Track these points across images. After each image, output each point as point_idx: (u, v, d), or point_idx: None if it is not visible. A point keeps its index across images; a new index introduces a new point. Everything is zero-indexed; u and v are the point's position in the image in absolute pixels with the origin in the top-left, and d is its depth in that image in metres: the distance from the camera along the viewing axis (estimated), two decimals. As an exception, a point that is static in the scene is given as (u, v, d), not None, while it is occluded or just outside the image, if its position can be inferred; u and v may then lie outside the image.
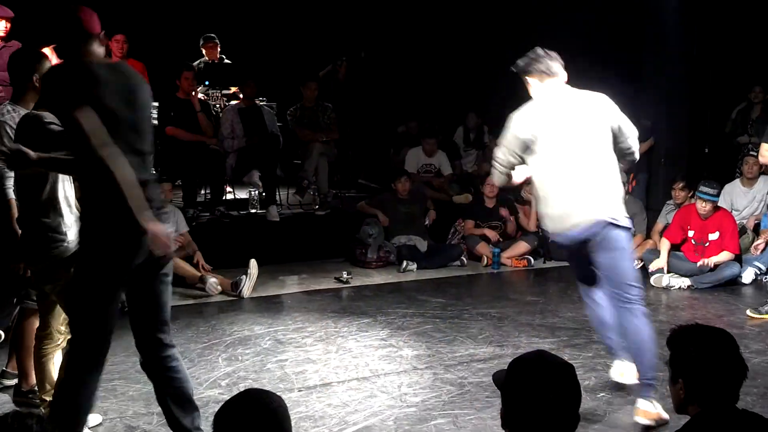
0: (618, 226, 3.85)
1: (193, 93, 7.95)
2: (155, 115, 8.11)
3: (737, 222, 7.61)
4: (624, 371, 4.19)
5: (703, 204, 6.89)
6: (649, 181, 8.85)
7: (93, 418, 3.87)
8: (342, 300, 6.54)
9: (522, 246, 8.00)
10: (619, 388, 4.36)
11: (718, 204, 7.24)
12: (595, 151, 3.91)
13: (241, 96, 8.63)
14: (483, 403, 4.13)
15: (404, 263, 7.59)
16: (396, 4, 11.16)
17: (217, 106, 8.85)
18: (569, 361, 2.20)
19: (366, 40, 10.73)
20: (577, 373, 2.18)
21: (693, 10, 8.86)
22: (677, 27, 8.91)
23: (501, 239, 8.08)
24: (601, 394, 4.28)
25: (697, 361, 2.31)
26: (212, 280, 6.48)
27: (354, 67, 9.80)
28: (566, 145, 3.89)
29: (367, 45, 10.47)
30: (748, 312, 5.97)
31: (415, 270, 7.59)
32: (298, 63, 10.08)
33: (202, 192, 8.28)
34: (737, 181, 7.90)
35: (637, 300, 3.88)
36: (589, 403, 4.09)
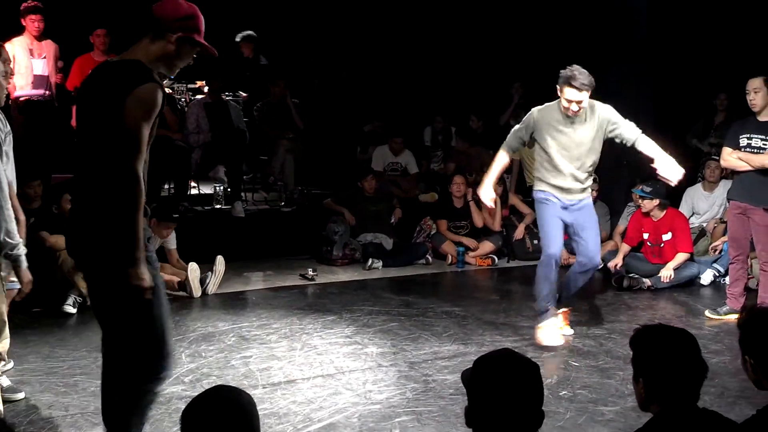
0: None
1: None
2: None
3: (698, 225, 7.78)
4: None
5: (643, 202, 7.04)
6: (612, 185, 8.97)
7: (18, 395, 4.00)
8: (307, 297, 6.53)
9: (486, 245, 8.06)
10: (582, 386, 4.43)
11: (680, 208, 7.36)
12: None
13: (206, 90, 8.57)
14: (447, 401, 4.16)
15: (370, 261, 7.60)
16: (363, 5, 11.15)
17: (183, 100, 8.78)
18: (532, 360, 2.22)
19: (334, 39, 10.73)
20: (540, 371, 2.20)
21: (659, 19, 9.00)
22: (643, 34, 9.05)
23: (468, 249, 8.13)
24: (564, 392, 4.33)
25: (658, 360, 2.35)
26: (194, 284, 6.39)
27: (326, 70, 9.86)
28: None
29: (335, 44, 10.48)
30: (706, 313, 6.08)
31: (380, 268, 7.61)
32: (266, 59, 10.04)
33: (166, 187, 8.20)
34: (699, 185, 8.03)
35: None
36: (551, 401, 4.14)
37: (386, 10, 11.15)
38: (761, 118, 5.62)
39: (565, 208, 5.21)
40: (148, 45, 2.94)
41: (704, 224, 7.76)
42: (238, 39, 9.17)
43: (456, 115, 10.40)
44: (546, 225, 5.22)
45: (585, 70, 5.01)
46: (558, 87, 5.09)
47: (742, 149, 5.68)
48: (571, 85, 4.97)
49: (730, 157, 5.79)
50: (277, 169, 8.44)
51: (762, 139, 5.58)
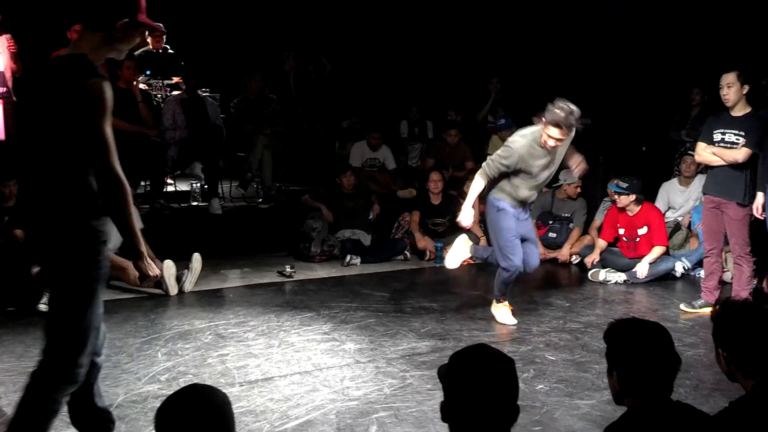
0: None
1: (135, 83, 7.81)
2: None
3: (673, 219, 7.84)
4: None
5: (619, 197, 7.10)
6: (588, 180, 9.03)
7: None
8: (285, 294, 6.51)
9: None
10: (558, 380, 4.45)
11: (656, 202, 7.42)
12: None
13: (183, 86, 8.51)
14: (424, 396, 4.16)
15: (348, 257, 7.59)
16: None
17: (159, 96, 8.71)
18: (509, 354, 2.23)
19: (310, 34, 10.70)
20: (517, 365, 2.21)
21: (634, 14, 9.06)
22: (618, 29, 9.10)
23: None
24: (540, 386, 4.35)
25: (631, 354, 2.37)
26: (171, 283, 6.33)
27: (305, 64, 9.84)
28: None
29: (311, 39, 10.44)
30: (681, 306, 6.14)
31: (358, 264, 7.60)
32: (242, 54, 9.99)
33: (142, 184, 8.14)
34: (675, 180, 8.10)
35: None
36: (528, 395, 4.16)
37: (363, 4, 11.13)
38: (734, 113, 5.68)
39: (517, 218, 5.53)
40: (90, 36, 2.86)
41: (679, 218, 7.83)
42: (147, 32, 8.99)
43: (432, 109, 10.40)
44: (509, 234, 5.49)
45: (575, 108, 5.24)
46: (543, 121, 5.27)
47: (716, 144, 5.75)
48: (558, 127, 5.20)
49: (704, 152, 5.85)
50: (254, 165, 8.39)
51: (735, 134, 5.64)
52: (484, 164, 5.48)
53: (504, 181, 5.48)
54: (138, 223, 2.88)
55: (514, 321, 5.67)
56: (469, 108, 10.36)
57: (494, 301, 5.81)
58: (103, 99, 2.75)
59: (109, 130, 2.78)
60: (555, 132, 5.23)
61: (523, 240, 5.60)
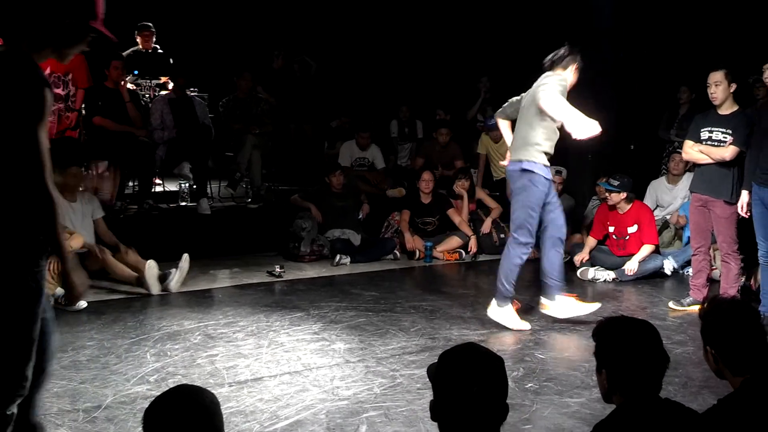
0: None
1: (122, 83, 7.78)
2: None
3: (662, 217, 7.87)
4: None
5: (610, 195, 7.12)
6: (577, 178, 9.05)
7: None
8: (274, 294, 6.49)
9: (454, 240, 8.09)
10: (547, 378, 4.46)
11: (645, 200, 7.45)
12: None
13: (170, 86, 8.48)
14: (414, 395, 4.16)
15: (337, 257, 7.58)
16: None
17: (147, 96, 8.67)
18: (498, 353, 2.23)
19: (298, 33, 10.68)
20: (506, 364, 2.21)
21: (622, 12, 9.08)
22: (606, 27, 9.12)
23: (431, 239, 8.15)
24: (530, 385, 4.36)
25: (620, 352, 2.38)
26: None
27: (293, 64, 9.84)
28: None
29: (300, 38, 10.43)
30: (670, 304, 6.16)
31: (348, 264, 7.60)
32: (231, 54, 9.97)
33: (131, 184, 8.11)
34: (663, 178, 8.13)
35: None
36: (517, 394, 4.17)
37: (354, 3, 11.12)
38: (722, 112, 5.70)
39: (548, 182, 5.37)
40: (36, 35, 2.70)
41: (668, 216, 7.86)
42: (136, 31, 8.95)
43: (422, 108, 10.41)
44: (537, 211, 5.28)
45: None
46: (571, 60, 5.35)
47: (704, 142, 5.77)
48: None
49: (691, 150, 5.88)
50: (243, 165, 8.37)
51: (722, 132, 5.67)
52: (547, 90, 5.11)
53: (537, 133, 5.23)
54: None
55: (528, 325, 5.41)
56: (458, 107, 10.37)
57: (497, 303, 5.44)
58: (43, 106, 2.58)
59: (45, 140, 2.61)
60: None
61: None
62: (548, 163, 5.31)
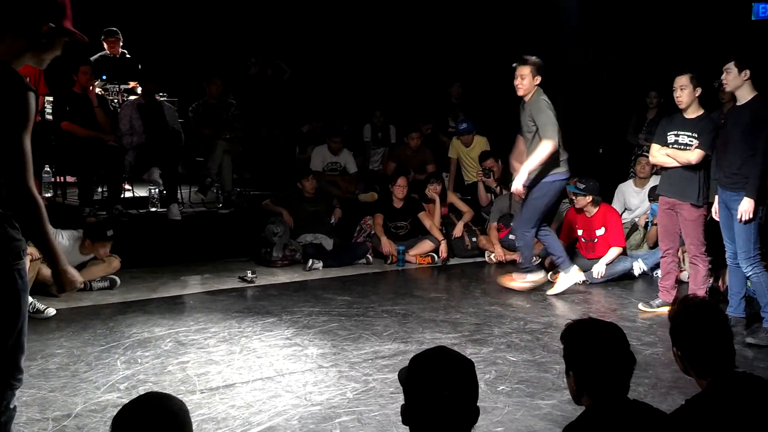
0: None
1: (91, 88, 7.70)
2: (49, 110, 7.84)
3: (630, 220, 7.97)
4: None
5: (576, 198, 7.20)
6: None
7: None
8: (246, 300, 6.46)
9: (426, 244, 8.11)
10: (519, 381, 4.49)
11: (613, 204, 7.52)
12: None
13: (139, 91, 8.41)
14: (387, 399, 4.17)
15: (310, 262, 7.57)
16: (299, 2, 11.11)
17: (116, 101, 8.60)
18: (471, 356, 2.25)
19: (271, 37, 10.66)
20: (478, 367, 2.23)
21: (590, 17, 9.19)
22: (574, 32, 9.23)
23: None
24: (501, 387, 4.39)
25: (587, 354, 2.41)
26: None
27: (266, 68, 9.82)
28: None
29: (272, 43, 10.41)
30: (639, 306, 6.23)
31: (320, 268, 7.58)
32: (201, 58, 9.91)
33: (99, 190, 8.03)
34: (630, 182, 8.23)
35: None
36: (489, 397, 4.19)
37: (325, 8, 11.12)
38: (688, 115, 5.78)
39: None
40: (12, 40, 2.69)
41: (636, 219, 7.95)
42: (103, 36, 8.87)
43: (396, 114, 10.42)
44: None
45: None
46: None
47: (670, 146, 5.85)
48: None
49: (657, 154, 5.96)
50: (214, 171, 8.32)
51: (688, 136, 5.75)
52: (544, 129, 6.11)
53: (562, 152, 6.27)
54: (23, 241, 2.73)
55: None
56: (435, 113, 10.39)
57: (551, 273, 6.85)
58: (27, 111, 2.59)
59: (29, 145, 2.62)
60: (516, 71, 6.26)
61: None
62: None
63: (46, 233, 2.69)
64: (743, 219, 5.25)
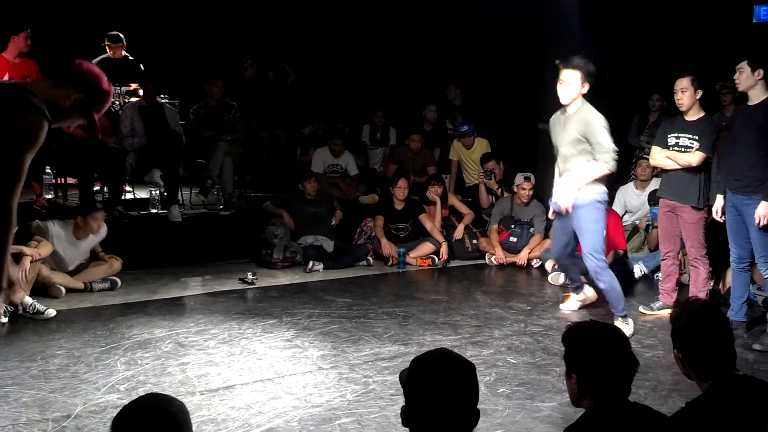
0: None
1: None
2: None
3: (631, 222, 7.96)
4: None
5: None
6: (547, 185, 9.12)
7: None
8: (247, 301, 6.46)
9: (427, 246, 8.11)
10: (519, 383, 4.49)
11: (613, 206, 7.52)
12: None
13: (141, 93, 8.41)
14: (387, 401, 4.16)
15: (310, 263, 7.56)
16: (300, 3, 11.11)
17: (117, 103, 8.60)
18: (471, 358, 2.25)
19: (271, 39, 10.66)
20: (479, 369, 2.23)
21: (593, 19, 9.18)
22: (576, 35, 9.22)
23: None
24: (502, 389, 4.38)
25: (589, 356, 2.40)
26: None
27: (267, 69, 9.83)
28: None
29: (273, 44, 10.41)
30: (640, 308, 6.22)
31: (321, 270, 7.58)
32: (202, 60, 9.92)
33: (100, 191, 8.03)
34: (631, 184, 8.22)
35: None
36: (489, 399, 4.19)
37: (323, 10, 11.12)
38: (688, 118, 5.77)
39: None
40: (48, 85, 2.80)
41: (637, 221, 7.95)
42: (106, 41, 8.87)
43: (397, 115, 10.41)
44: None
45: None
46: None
47: (671, 148, 5.84)
48: (559, 66, 5.42)
49: (658, 156, 5.95)
50: (214, 172, 8.33)
51: (689, 138, 5.74)
52: (603, 152, 5.27)
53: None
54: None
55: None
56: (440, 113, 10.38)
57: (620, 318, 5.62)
58: (37, 135, 2.64)
59: (27, 165, 2.65)
60: (561, 74, 5.35)
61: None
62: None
63: (4, 253, 2.66)
64: (762, 224, 5.17)
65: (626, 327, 5.46)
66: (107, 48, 8.77)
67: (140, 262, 7.15)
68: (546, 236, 8.04)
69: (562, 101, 5.39)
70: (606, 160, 5.29)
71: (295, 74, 10.27)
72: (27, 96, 2.67)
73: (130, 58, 8.95)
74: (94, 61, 8.47)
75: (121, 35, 8.79)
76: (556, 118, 5.61)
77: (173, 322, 5.66)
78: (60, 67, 2.87)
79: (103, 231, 6.64)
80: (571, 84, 5.33)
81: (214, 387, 4.38)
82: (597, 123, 5.32)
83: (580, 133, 5.34)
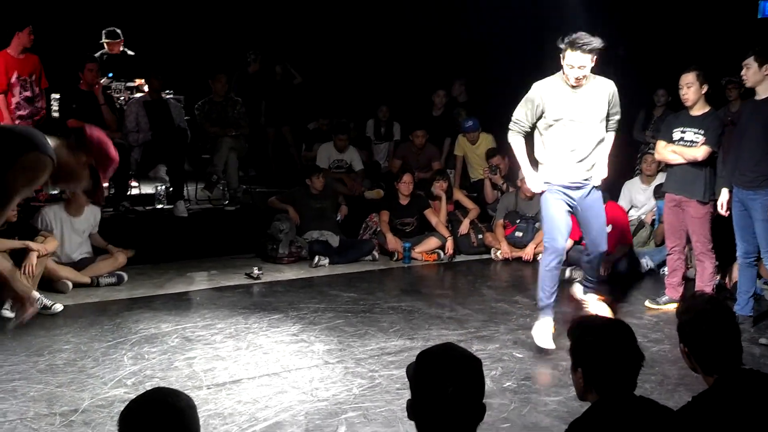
0: None
1: (97, 85, 7.72)
2: (56, 108, 7.87)
3: (637, 217, 7.95)
4: None
5: None
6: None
7: None
8: (253, 296, 6.47)
9: (432, 241, 8.11)
10: (525, 377, 4.49)
11: (619, 201, 7.51)
12: None
13: (146, 89, 8.42)
14: (393, 395, 4.17)
15: (316, 258, 7.57)
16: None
17: (122, 98, 8.61)
18: (477, 353, 2.25)
19: (275, 34, 10.67)
20: (485, 363, 2.23)
21: (598, 14, 9.16)
22: (581, 28, 9.19)
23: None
24: (507, 384, 4.39)
25: (595, 350, 2.40)
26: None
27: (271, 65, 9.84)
28: None
29: (276, 40, 10.42)
30: (646, 302, 6.22)
31: (327, 265, 7.59)
32: (207, 56, 9.93)
33: (106, 187, 8.04)
34: (637, 179, 8.21)
35: None
36: (495, 393, 4.19)
37: (327, 5, 11.12)
38: (694, 112, 5.76)
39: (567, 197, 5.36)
40: (61, 145, 2.84)
41: (642, 216, 7.94)
42: (103, 38, 8.86)
43: (401, 110, 10.41)
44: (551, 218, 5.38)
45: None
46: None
47: (676, 142, 5.83)
48: (573, 47, 4.72)
49: (663, 150, 5.94)
50: (219, 168, 8.34)
51: (695, 133, 5.73)
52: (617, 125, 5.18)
53: (541, 148, 5.12)
54: None
55: (549, 345, 4.95)
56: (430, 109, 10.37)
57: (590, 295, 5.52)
58: (40, 174, 2.70)
59: (17, 198, 2.72)
60: (572, 57, 4.69)
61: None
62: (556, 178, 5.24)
63: None
64: None
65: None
66: (105, 44, 8.78)
67: (146, 257, 7.17)
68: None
69: (574, 83, 4.88)
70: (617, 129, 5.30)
71: (301, 77, 10.29)
72: (37, 136, 2.72)
73: (129, 53, 8.95)
74: (97, 54, 8.49)
75: (118, 31, 8.79)
76: (555, 90, 4.95)
77: (180, 317, 5.68)
78: (70, 133, 2.95)
79: (121, 260, 6.68)
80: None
81: (221, 381, 4.40)
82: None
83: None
